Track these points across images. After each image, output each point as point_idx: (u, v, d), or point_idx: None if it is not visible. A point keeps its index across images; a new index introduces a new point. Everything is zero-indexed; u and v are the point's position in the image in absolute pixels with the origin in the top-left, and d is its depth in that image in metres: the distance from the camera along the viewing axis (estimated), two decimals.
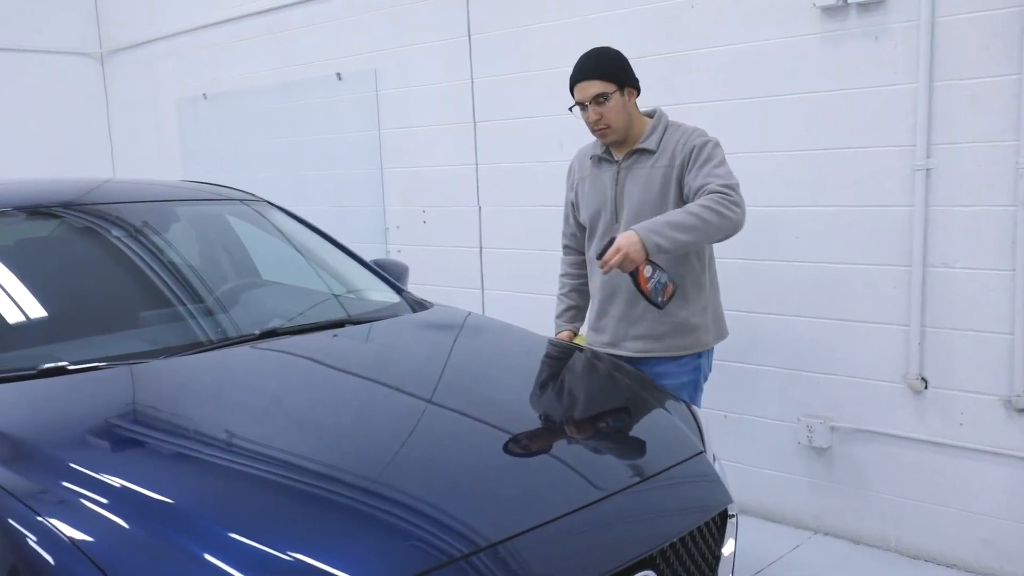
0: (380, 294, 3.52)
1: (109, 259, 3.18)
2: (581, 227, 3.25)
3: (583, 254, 3.28)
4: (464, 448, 2.23)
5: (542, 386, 2.75)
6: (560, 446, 2.33)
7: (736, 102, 3.86)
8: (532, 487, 2.06)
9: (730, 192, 2.78)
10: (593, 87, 2.97)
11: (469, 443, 2.27)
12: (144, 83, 7.25)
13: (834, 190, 3.64)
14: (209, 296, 3.16)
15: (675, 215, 2.76)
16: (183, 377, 2.52)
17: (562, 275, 3.42)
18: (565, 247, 3.40)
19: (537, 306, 4.45)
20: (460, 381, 2.70)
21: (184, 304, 3.07)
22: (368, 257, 3.88)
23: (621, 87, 2.98)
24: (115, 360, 2.50)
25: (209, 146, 6.68)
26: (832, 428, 3.79)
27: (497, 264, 4.92)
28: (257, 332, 2.81)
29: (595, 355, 2.99)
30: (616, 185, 3.06)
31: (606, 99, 2.95)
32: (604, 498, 2.02)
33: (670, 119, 3.09)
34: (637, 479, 2.16)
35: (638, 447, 2.38)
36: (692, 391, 3.09)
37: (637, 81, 3.06)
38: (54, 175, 4.27)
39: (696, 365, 3.09)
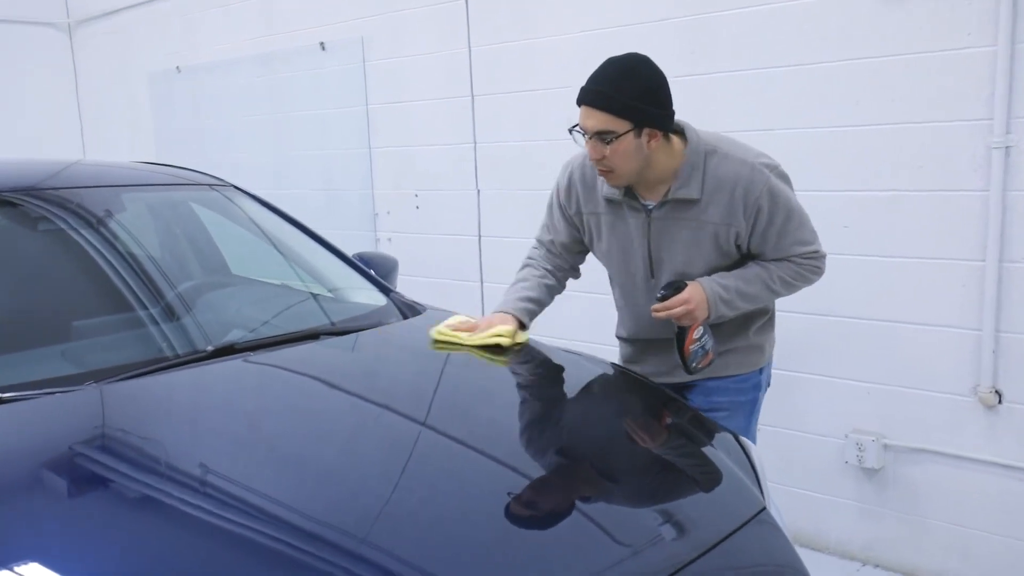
0: (365, 295, 3.04)
1: (40, 256, 2.68)
2: (579, 249, 2.65)
3: (571, 268, 2.70)
4: (469, 497, 1.77)
5: (561, 415, 2.29)
6: (589, 500, 1.84)
7: (771, 71, 3.41)
8: (555, 558, 1.59)
9: (818, 261, 2.41)
10: (596, 120, 2.22)
11: (474, 490, 1.81)
12: (115, 55, 6.86)
13: (891, 172, 3.19)
14: (161, 300, 2.65)
15: (752, 285, 2.37)
16: (113, 413, 2.01)
17: (543, 266, 2.65)
18: (549, 249, 2.67)
19: None
20: (463, 408, 2.21)
21: (129, 311, 2.57)
22: (355, 247, 3.39)
23: (638, 127, 2.21)
24: (21, 389, 1.99)
25: (183, 124, 6.30)
26: (885, 446, 3.36)
27: (498, 255, 4.52)
28: (210, 348, 2.30)
29: (623, 373, 2.51)
30: (647, 238, 2.41)
31: (612, 139, 2.21)
32: None
33: (704, 138, 2.35)
34: (694, 553, 1.66)
35: (691, 506, 1.89)
36: (749, 412, 2.64)
37: (666, 118, 2.27)
38: (15, 156, 3.80)
39: (756, 382, 2.63)
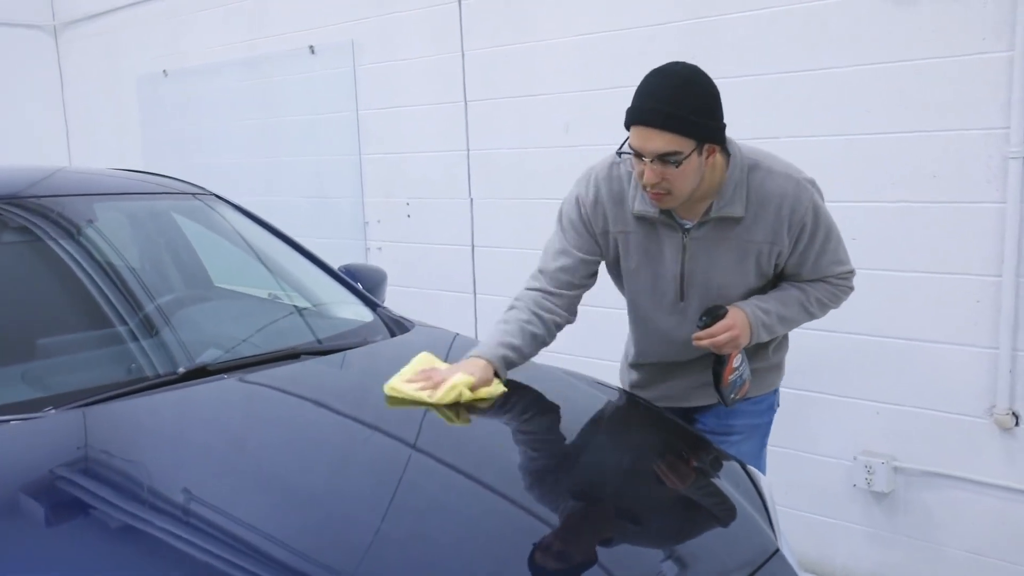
0: (350, 310, 2.89)
1: (7, 269, 2.53)
2: (589, 273, 2.32)
3: (568, 310, 2.32)
4: (467, 535, 1.64)
5: (561, 442, 2.14)
6: (590, 536, 1.71)
7: (776, 77, 3.28)
8: None
9: (851, 280, 2.33)
10: (660, 141, 1.99)
11: (474, 527, 1.67)
12: (101, 59, 6.71)
13: (903, 183, 3.05)
14: (134, 317, 2.50)
15: (790, 308, 2.25)
16: (71, 445, 1.86)
17: (531, 309, 2.26)
18: (550, 285, 2.28)
19: None
20: (456, 442, 2.08)
21: (98, 328, 2.43)
22: (344, 256, 3.25)
23: (700, 144, 2.03)
24: None
25: (171, 128, 6.15)
26: (896, 469, 3.21)
27: (491, 265, 4.39)
28: (181, 371, 2.15)
29: (628, 399, 2.38)
30: (682, 259, 2.21)
31: (677, 161, 2.01)
32: None
33: (744, 151, 2.17)
34: None
35: (700, 548, 1.74)
36: (764, 434, 2.52)
37: (723, 131, 2.09)
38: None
39: (771, 403, 2.51)
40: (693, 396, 2.39)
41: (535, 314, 2.25)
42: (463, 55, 4.29)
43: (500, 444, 2.08)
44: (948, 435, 3.08)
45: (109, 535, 1.55)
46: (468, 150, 4.36)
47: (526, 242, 4.16)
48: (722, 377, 2.22)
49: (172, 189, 3.22)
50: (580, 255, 2.27)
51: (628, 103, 2.08)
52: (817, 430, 3.36)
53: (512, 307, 2.29)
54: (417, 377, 2.12)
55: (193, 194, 3.23)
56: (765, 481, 2.07)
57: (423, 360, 2.21)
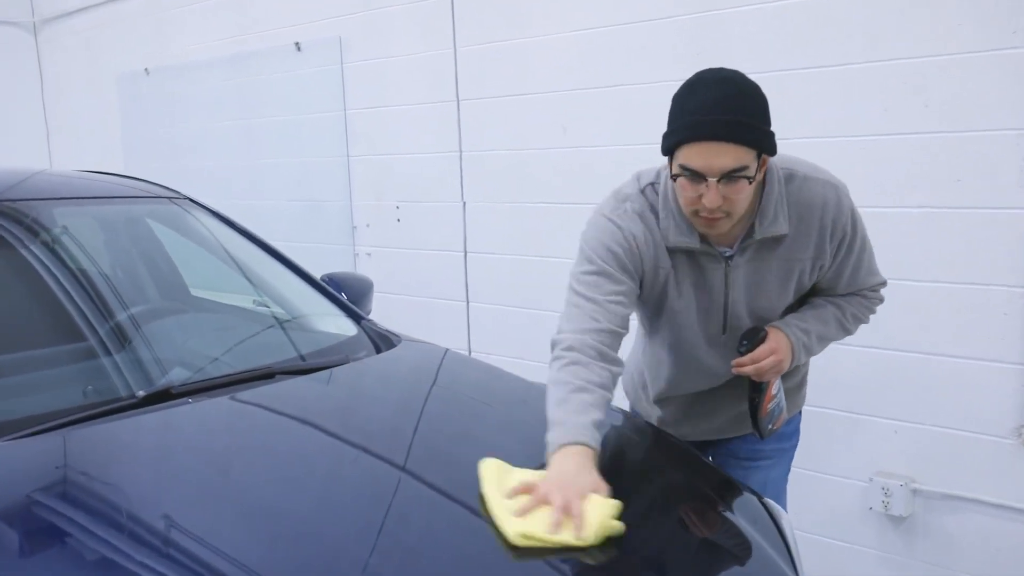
0: (333, 322, 2.70)
1: None
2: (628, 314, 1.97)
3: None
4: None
5: None
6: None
7: (787, 74, 3.11)
8: None
9: (882, 291, 2.15)
10: (729, 157, 1.74)
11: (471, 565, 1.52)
12: (82, 57, 6.56)
13: (924, 187, 2.89)
14: (96, 332, 2.30)
15: (829, 326, 2.07)
16: (7, 484, 1.66)
17: (603, 366, 1.82)
18: (612, 331, 1.87)
19: (533, 324, 3.92)
20: (449, 469, 1.87)
21: (55, 345, 2.24)
22: (331, 262, 3.06)
23: (759, 154, 1.79)
24: None
25: (153, 129, 5.99)
26: (915, 492, 3.05)
27: (485, 272, 4.26)
28: (140, 395, 1.95)
29: (634, 426, 2.19)
30: (726, 289, 1.99)
31: (748, 177, 1.76)
32: None
33: (775, 160, 1.93)
34: None
35: None
36: (790, 459, 2.36)
37: (775, 140, 1.84)
38: None
39: (797, 425, 2.34)
40: (727, 430, 2.21)
41: (607, 369, 1.83)
42: (455, 51, 4.17)
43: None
44: (971, 456, 2.92)
45: None
46: (460, 151, 4.24)
47: (521, 248, 4.09)
48: (760, 406, 2.03)
49: (144, 192, 3.03)
50: (631, 296, 1.93)
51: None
52: (830, 449, 3.19)
53: (574, 362, 1.81)
54: (529, 504, 1.58)
55: (169, 198, 3.04)
56: (787, 518, 1.89)
57: (495, 468, 1.73)
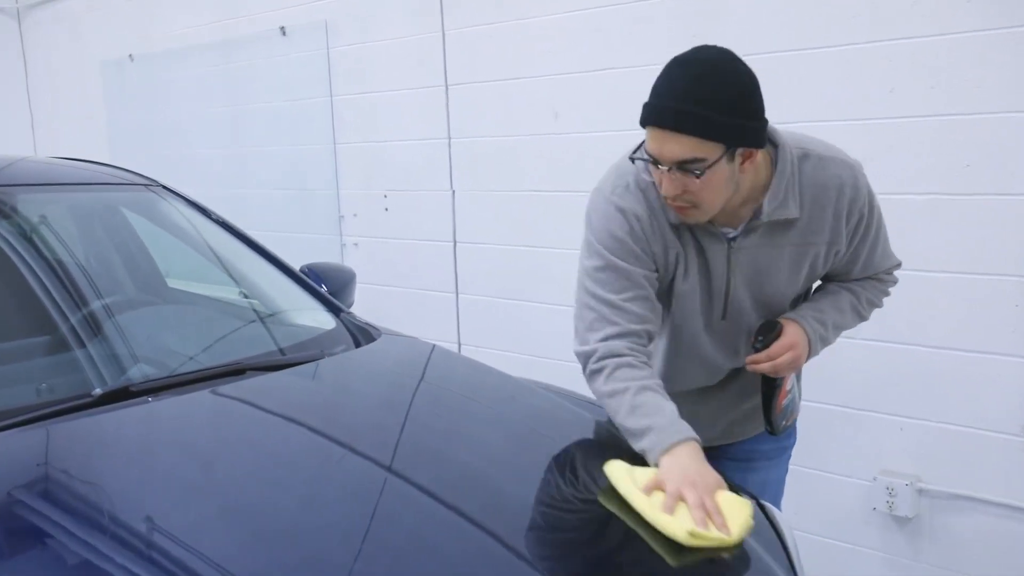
0: (310, 316, 2.59)
1: None
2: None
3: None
4: None
5: (557, 481, 1.83)
6: None
7: (788, 55, 3.02)
8: None
9: (895, 273, 2.08)
10: (677, 147, 1.65)
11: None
12: (66, 43, 6.46)
13: (932, 173, 2.80)
14: (58, 327, 2.19)
15: (845, 315, 1.99)
16: None
17: (641, 371, 1.78)
18: (633, 331, 1.79)
19: (524, 316, 3.90)
20: (436, 471, 1.76)
21: (15, 339, 2.11)
22: (318, 252, 2.95)
23: (731, 148, 1.67)
24: None
25: (137, 115, 5.89)
26: (921, 491, 2.96)
27: (474, 262, 4.17)
28: (97, 392, 1.83)
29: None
30: (728, 273, 1.88)
31: (700, 169, 1.66)
32: None
33: (790, 139, 1.83)
34: None
35: None
36: (788, 459, 2.28)
37: (761, 132, 1.72)
38: None
39: (794, 424, 2.24)
40: (735, 433, 2.09)
41: (649, 367, 1.80)
42: (443, 35, 4.08)
43: (479, 484, 1.76)
44: (979, 455, 2.84)
45: None
46: (449, 138, 4.15)
47: (511, 238, 4.00)
48: (774, 403, 1.93)
49: (117, 179, 2.92)
50: (650, 288, 1.84)
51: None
52: (832, 447, 3.11)
53: (629, 365, 1.77)
54: (672, 503, 1.57)
55: (144, 185, 2.93)
56: (786, 521, 1.78)
57: (624, 470, 1.69)
